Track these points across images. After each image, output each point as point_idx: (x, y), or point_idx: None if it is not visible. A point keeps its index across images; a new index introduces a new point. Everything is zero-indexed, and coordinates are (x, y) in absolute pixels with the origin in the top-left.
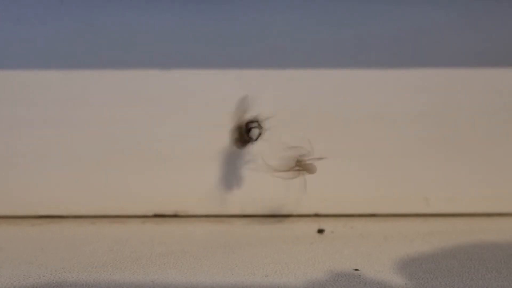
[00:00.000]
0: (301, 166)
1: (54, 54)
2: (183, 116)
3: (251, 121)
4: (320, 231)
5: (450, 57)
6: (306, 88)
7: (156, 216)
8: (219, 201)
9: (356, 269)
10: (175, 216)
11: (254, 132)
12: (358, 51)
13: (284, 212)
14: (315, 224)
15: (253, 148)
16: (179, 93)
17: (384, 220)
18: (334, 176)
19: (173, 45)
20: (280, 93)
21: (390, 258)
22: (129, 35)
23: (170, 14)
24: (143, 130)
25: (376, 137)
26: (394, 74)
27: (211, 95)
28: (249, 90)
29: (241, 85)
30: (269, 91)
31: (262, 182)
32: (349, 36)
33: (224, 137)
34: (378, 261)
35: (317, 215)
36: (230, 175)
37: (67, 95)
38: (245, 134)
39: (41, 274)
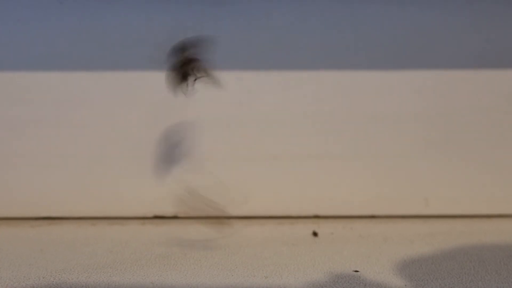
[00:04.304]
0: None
1: (54, 55)
2: (183, 118)
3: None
4: (315, 234)
5: (450, 58)
6: (306, 90)
7: (156, 217)
8: (218, 203)
9: (356, 271)
10: (175, 217)
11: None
12: (358, 52)
13: (284, 213)
14: (315, 226)
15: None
16: (179, 95)
17: (383, 221)
18: (334, 178)
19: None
20: (280, 95)
21: (390, 259)
22: (129, 37)
23: (169, 16)
24: (143, 132)
25: (376, 138)
26: (394, 75)
27: (210, 97)
28: (249, 91)
29: (242, 87)
30: (269, 92)
31: (262, 183)
32: (349, 38)
33: (224, 138)
34: (378, 262)
35: (316, 217)
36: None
37: (67, 96)
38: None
39: (41, 276)
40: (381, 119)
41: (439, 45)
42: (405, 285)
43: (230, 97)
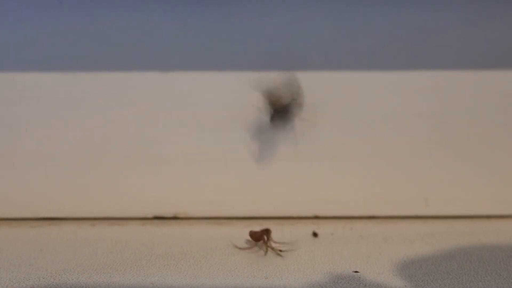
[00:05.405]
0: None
1: (54, 55)
2: (183, 118)
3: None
4: (315, 234)
5: (451, 59)
6: (306, 90)
7: (156, 218)
8: (218, 203)
9: (356, 271)
10: (175, 218)
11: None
12: (359, 52)
13: (284, 214)
14: (315, 226)
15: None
16: (179, 95)
17: (383, 221)
18: (334, 178)
19: (173, 47)
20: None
21: (390, 259)
22: (129, 37)
23: (169, 16)
24: (143, 132)
25: (376, 138)
26: (395, 75)
27: (210, 97)
28: (249, 92)
29: (241, 87)
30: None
31: (262, 183)
32: (350, 38)
33: (224, 139)
34: (378, 263)
35: (316, 217)
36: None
37: (67, 96)
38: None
39: (41, 276)
40: (381, 119)
41: (439, 45)
42: (405, 286)
43: (230, 97)
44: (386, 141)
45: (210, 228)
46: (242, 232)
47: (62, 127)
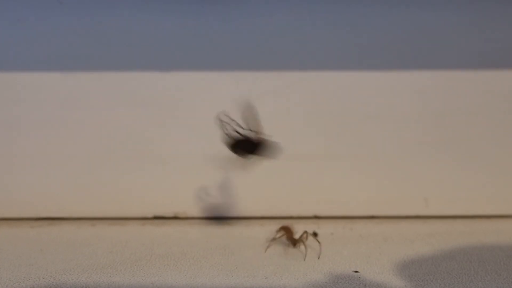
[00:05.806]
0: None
1: (54, 55)
2: (182, 118)
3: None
4: (315, 234)
5: (450, 59)
6: (306, 90)
7: (156, 218)
8: (218, 203)
9: (356, 271)
10: (175, 218)
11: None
12: (358, 53)
13: (284, 214)
14: (315, 226)
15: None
16: (178, 95)
17: (383, 221)
18: (334, 178)
19: (172, 48)
20: (280, 95)
21: (390, 259)
22: (128, 37)
23: (169, 16)
24: (143, 133)
25: (376, 138)
26: (395, 76)
27: (210, 97)
28: (248, 92)
29: (240, 87)
30: (269, 93)
31: (262, 183)
32: (349, 38)
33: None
34: (378, 263)
35: (316, 217)
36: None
37: (67, 96)
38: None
39: (40, 276)
40: (381, 119)
41: (439, 46)
42: (405, 285)
43: (230, 97)
44: (386, 141)
45: (210, 228)
46: (242, 232)
47: (62, 127)
